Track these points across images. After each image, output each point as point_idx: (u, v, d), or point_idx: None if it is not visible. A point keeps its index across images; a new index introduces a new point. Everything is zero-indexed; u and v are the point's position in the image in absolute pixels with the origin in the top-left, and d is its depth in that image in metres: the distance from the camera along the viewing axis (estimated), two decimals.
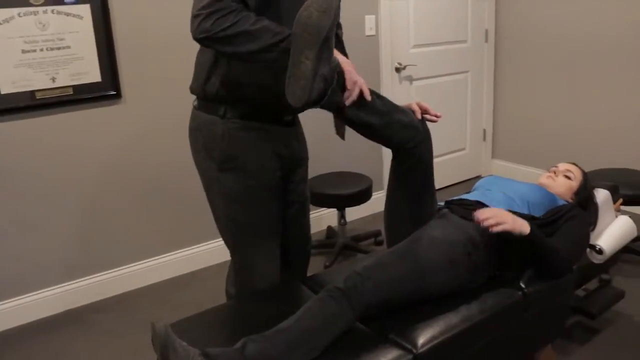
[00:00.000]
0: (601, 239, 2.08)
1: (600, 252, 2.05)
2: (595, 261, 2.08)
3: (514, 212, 1.85)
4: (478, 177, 4.38)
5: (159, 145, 2.83)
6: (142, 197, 2.84)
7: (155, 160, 2.83)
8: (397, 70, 3.62)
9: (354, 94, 1.61)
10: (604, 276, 2.63)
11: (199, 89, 1.71)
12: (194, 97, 1.78)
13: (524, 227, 1.66)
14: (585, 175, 2.19)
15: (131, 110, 2.72)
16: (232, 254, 1.87)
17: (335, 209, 3.40)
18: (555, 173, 2.16)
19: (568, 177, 2.13)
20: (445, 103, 3.95)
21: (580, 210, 1.96)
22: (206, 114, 1.71)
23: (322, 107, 1.54)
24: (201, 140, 1.73)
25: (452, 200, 1.97)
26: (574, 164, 2.22)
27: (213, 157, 1.71)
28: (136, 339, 2.44)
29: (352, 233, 3.33)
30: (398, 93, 3.67)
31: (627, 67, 3.37)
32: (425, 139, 1.75)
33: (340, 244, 3.14)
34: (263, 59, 1.50)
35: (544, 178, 2.17)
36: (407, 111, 1.76)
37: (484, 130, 4.28)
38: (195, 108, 1.76)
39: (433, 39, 3.77)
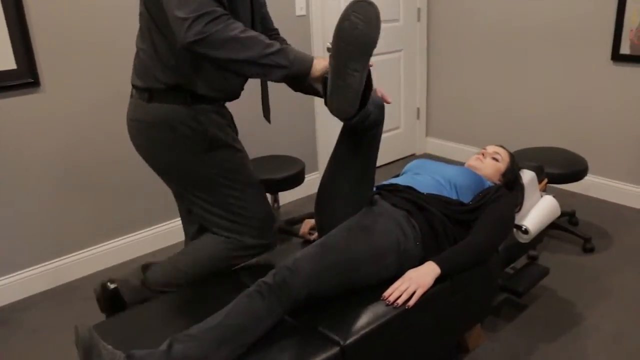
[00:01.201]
0: (527, 219, 2.12)
1: (526, 232, 2.09)
2: (522, 240, 2.13)
3: (443, 198, 1.85)
4: (412, 156, 4.42)
5: (82, 135, 2.67)
6: (67, 188, 2.68)
7: (78, 151, 2.68)
8: (329, 50, 3.56)
9: (388, 98, 1.74)
10: (532, 252, 2.71)
11: (152, 80, 1.66)
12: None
13: (433, 273, 1.67)
14: (512, 157, 2.22)
15: (51, 99, 2.55)
16: (249, 217, 1.83)
17: (267, 194, 3.34)
18: (483, 155, 2.18)
19: (495, 159, 2.16)
20: (379, 82, 3.94)
21: (506, 191, 1.99)
22: (167, 104, 1.66)
23: (362, 116, 1.55)
24: (171, 135, 1.68)
25: (383, 185, 1.95)
26: (501, 146, 2.25)
27: (197, 143, 1.69)
28: (63, 339, 2.32)
29: (286, 216, 3.29)
30: None
31: (558, 48, 3.45)
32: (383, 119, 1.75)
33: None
34: (249, 71, 1.49)
35: (472, 160, 2.18)
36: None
37: (418, 109, 4.31)
38: (145, 100, 1.69)
39: None
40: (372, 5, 1.39)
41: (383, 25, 3.84)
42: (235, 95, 1.78)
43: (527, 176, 2.24)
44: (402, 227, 1.70)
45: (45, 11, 2.46)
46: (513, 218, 1.94)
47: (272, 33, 1.96)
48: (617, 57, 3.15)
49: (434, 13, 4.07)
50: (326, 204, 1.82)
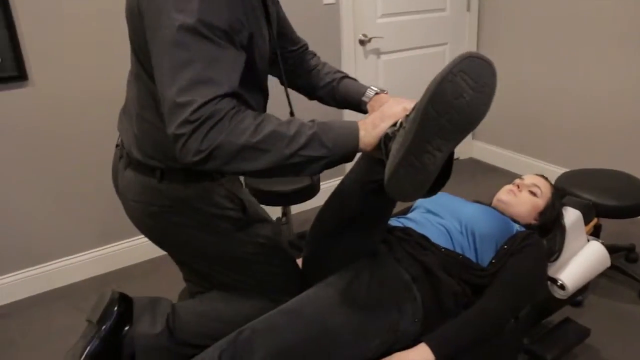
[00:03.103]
0: (565, 272, 1.73)
1: (562, 287, 1.70)
2: (558, 296, 1.74)
3: (463, 259, 1.48)
4: (457, 160, 4.01)
5: (73, 133, 2.45)
6: (56, 191, 2.48)
7: (69, 150, 2.46)
8: (362, 43, 3.19)
9: None
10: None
11: (166, 158, 1.27)
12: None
13: None
14: (554, 191, 1.82)
15: (40, 94, 2.34)
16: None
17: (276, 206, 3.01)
18: (518, 187, 1.79)
19: (533, 193, 1.77)
20: (418, 79, 3.53)
21: (536, 239, 1.59)
22: (188, 182, 1.31)
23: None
24: (196, 217, 1.33)
25: (396, 226, 1.59)
26: (542, 176, 1.85)
27: (231, 221, 1.37)
28: (45, 352, 2.13)
29: (299, 229, 2.98)
30: (363, 69, 3.26)
31: (624, 42, 2.94)
32: None
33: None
34: (279, 175, 1.10)
35: (504, 193, 1.80)
36: None
37: None
38: (156, 179, 1.30)
39: (405, 7, 3.31)
40: (490, 66, 0.98)
41: (426, 16, 3.42)
42: None
43: (572, 216, 1.83)
44: (400, 302, 1.35)
45: (32, 1, 2.23)
46: (542, 276, 1.56)
47: (300, 48, 1.58)
48: None
49: (486, 2, 3.61)
50: (318, 250, 1.48)
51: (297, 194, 2.59)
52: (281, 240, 1.50)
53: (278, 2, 1.45)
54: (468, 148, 4.00)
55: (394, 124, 1.09)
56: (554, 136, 3.41)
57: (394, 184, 1.04)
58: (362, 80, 3.24)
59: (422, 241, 1.49)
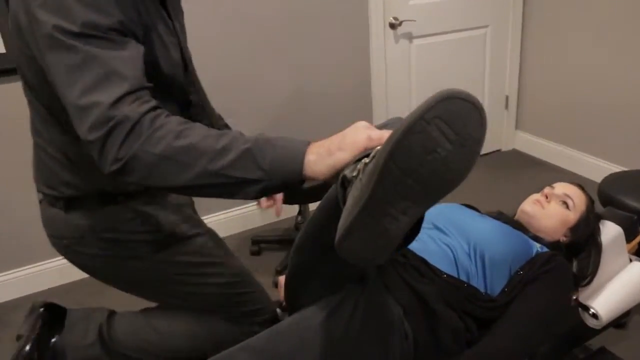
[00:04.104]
0: (600, 298, 1.48)
1: (595, 317, 1.46)
2: (591, 325, 1.50)
3: (467, 288, 1.26)
4: (498, 152, 3.72)
5: None
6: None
7: None
8: (392, 26, 2.95)
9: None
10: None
11: (62, 185, 1.19)
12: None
13: None
14: (590, 203, 1.57)
15: None
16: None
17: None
18: (547, 197, 1.55)
19: (565, 204, 1.52)
20: (457, 65, 3.26)
21: (560, 263, 1.34)
22: (93, 210, 1.21)
23: None
24: (109, 246, 1.24)
25: None
26: (577, 185, 1.59)
27: (146, 247, 1.26)
28: None
29: None
30: (393, 55, 3.01)
31: None
32: None
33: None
34: (203, 195, 0.94)
35: (528, 203, 1.55)
36: None
37: (507, 97, 3.57)
38: (62, 210, 1.21)
39: None
40: (478, 110, 0.75)
41: None
42: None
43: (611, 231, 1.57)
44: (386, 339, 1.15)
45: None
46: (563, 309, 1.33)
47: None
48: None
49: None
50: (298, 271, 1.30)
51: (315, 191, 2.41)
52: (218, 254, 1.36)
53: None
54: (511, 139, 3.70)
55: (357, 160, 0.86)
56: (609, 129, 3.07)
57: (347, 247, 0.82)
58: (393, 67, 3.01)
59: (420, 265, 1.27)
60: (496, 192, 3.14)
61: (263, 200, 1.46)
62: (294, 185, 0.91)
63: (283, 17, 2.64)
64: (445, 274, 1.27)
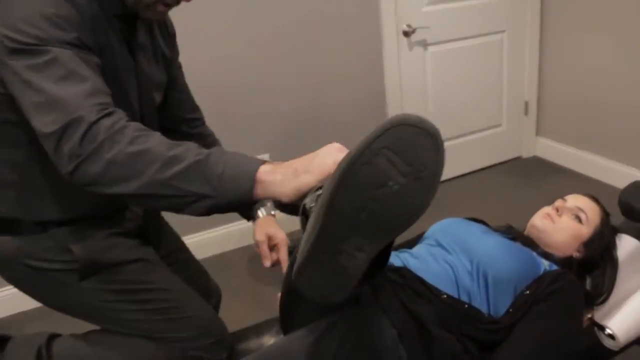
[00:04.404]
0: (617, 317, 1.40)
1: (612, 337, 1.39)
2: (607, 346, 1.43)
3: (469, 310, 1.21)
4: (518, 159, 3.63)
5: None
6: None
7: None
8: (406, 34, 2.90)
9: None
10: None
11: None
12: None
13: None
14: (605, 216, 1.50)
15: None
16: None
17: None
18: (558, 210, 1.48)
19: (578, 219, 1.46)
20: (474, 72, 3.19)
21: (569, 282, 1.28)
22: (8, 235, 1.21)
23: None
24: (30, 274, 1.23)
25: (391, 266, 1.34)
26: (592, 197, 1.53)
27: (61, 273, 1.24)
28: None
29: None
30: (407, 63, 2.97)
31: None
32: None
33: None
34: (153, 206, 0.97)
35: (538, 217, 1.49)
36: None
37: (526, 103, 3.48)
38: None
39: None
40: (432, 137, 0.69)
41: (481, 1, 3.07)
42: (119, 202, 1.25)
43: (628, 246, 1.50)
44: None
45: None
46: (573, 331, 1.26)
47: (192, 122, 1.47)
48: None
49: None
50: (290, 293, 1.26)
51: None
52: (152, 280, 1.31)
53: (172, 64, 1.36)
54: (532, 145, 3.61)
55: (318, 188, 0.81)
56: (634, 133, 2.97)
57: (303, 283, 0.78)
58: (408, 75, 2.97)
59: (418, 286, 1.22)
60: (516, 200, 3.06)
61: (266, 259, 1.42)
62: (245, 206, 0.88)
63: (294, 25, 2.62)
64: (445, 294, 1.23)
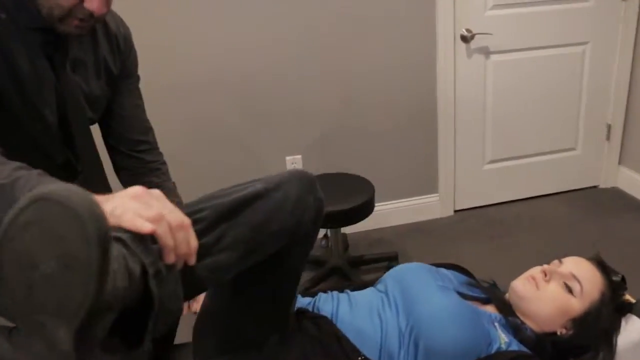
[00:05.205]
0: None
1: None
2: None
3: None
4: (594, 188, 3.19)
5: None
6: None
7: None
8: (464, 39, 2.62)
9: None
10: None
11: None
12: None
13: None
14: (607, 290, 1.20)
15: None
16: None
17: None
18: (545, 274, 1.21)
19: (568, 289, 1.18)
20: (545, 87, 2.82)
21: None
22: None
23: None
24: None
25: (314, 313, 1.15)
26: (599, 264, 1.24)
27: None
28: None
29: (354, 252, 2.57)
30: (465, 71, 2.68)
31: None
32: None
33: (329, 267, 2.40)
34: None
35: (521, 279, 1.23)
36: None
37: (609, 126, 3.03)
38: None
39: None
40: (79, 219, 0.54)
41: (558, 7, 2.68)
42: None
43: (636, 331, 1.20)
44: None
45: None
46: None
47: (137, 144, 1.36)
48: None
49: None
50: (207, 323, 1.13)
51: (346, 216, 2.20)
52: None
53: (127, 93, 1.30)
54: (612, 175, 3.15)
55: None
56: None
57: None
58: (464, 85, 2.69)
59: (331, 343, 1.04)
60: (579, 235, 2.66)
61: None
62: None
63: (341, 24, 2.45)
64: (363, 356, 1.03)
